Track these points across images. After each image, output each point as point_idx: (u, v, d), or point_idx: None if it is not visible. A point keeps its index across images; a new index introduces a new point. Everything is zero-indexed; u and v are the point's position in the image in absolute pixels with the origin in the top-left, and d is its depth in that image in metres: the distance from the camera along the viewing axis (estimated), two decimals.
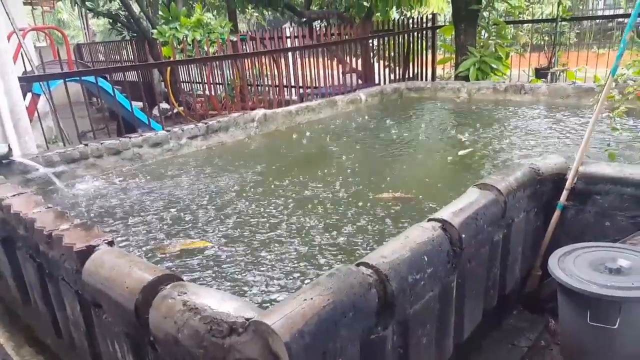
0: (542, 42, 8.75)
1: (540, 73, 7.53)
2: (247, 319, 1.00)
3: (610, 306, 1.57)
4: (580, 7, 11.99)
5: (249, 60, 5.86)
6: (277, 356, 0.94)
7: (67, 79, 3.86)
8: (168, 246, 1.96)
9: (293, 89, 6.56)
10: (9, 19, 4.53)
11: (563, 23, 7.00)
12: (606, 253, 1.76)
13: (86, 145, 2.99)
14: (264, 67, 5.90)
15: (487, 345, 1.87)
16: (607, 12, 11.89)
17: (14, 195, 1.97)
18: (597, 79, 4.90)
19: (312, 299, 1.05)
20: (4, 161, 2.60)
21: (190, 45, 5.77)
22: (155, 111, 6.61)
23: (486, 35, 6.29)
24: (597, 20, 8.90)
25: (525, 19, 8.04)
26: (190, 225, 2.18)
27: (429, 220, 1.50)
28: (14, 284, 2.10)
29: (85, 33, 15.13)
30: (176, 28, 5.85)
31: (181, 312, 1.08)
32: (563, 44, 7.64)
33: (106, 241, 1.46)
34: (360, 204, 2.28)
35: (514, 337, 1.94)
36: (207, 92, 6.55)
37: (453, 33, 6.30)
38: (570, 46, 7.75)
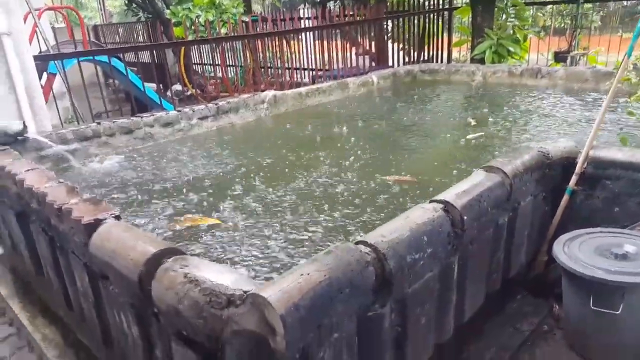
0: (564, 25, 8.41)
1: (559, 57, 7.28)
2: (245, 292, 1.02)
3: (614, 291, 1.56)
4: None
5: (261, 42, 5.82)
6: (273, 328, 0.97)
7: (80, 58, 3.90)
8: (177, 222, 2.00)
9: (305, 71, 6.50)
10: None
11: (587, 5, 6.70)
12: (613, 238, 1.74)
13: (99, 123, 3.04)
14: (277, 48, 5.85)
15: (489, 329, 1.87)
16: None
17: (27, 171, 2.02)
18: (618, 64, 4.71)
19: (309, 274, 1.06)
20: (19, 138, 2.67)
21: (202, 26, 5.75)
22: (169, 93, 6.65)
23: (504, 17, 6.08)
24: (625, 2, 8.43)
25: (546, 0, 7.74)
26: (199, 202, 2.21)
27: (431, 201, 1.50)
28: (28, 257, 2.18)
29: (102, 14, 15.18)
30: (189, 8, 5.83)
31: (182, 284, 1.11)
32: (585, 27, 7.32)
33: (113, 215, 1.50)
34: (366, 185, 2.28)
35: (516, 321, 1.93)
36: (219, 74, 6.54)
37: (470, 15, 6.12)
38: (595, 30, 7.42)
